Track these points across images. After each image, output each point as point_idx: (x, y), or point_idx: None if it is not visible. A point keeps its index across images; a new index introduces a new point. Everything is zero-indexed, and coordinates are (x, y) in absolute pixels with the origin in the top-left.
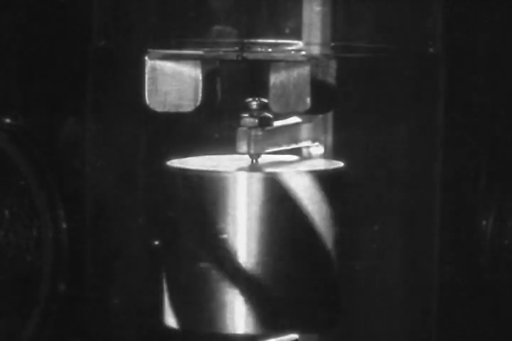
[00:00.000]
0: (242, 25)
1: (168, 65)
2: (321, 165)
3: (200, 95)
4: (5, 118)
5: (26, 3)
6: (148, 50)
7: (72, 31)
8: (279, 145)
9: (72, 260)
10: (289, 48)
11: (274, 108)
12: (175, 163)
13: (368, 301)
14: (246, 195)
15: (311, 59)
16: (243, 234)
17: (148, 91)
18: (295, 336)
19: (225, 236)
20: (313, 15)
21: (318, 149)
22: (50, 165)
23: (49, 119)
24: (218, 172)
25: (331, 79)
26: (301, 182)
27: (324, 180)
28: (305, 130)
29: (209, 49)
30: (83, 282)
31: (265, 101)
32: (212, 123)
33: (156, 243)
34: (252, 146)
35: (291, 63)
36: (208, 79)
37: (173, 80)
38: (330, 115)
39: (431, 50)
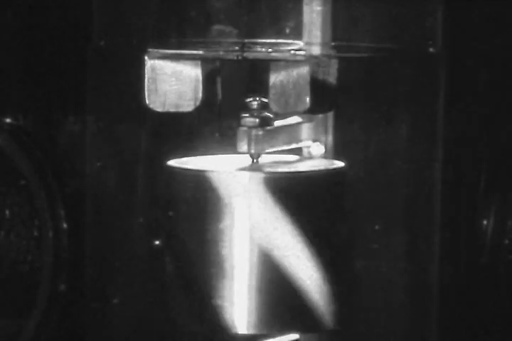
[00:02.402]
0: (242, 25)
1: (168, 65)
2: (322, 165)
3: (200, 95)
4: (5, 118)
5: (26, 3)
6: (148, 49)
7: (72, 31)
8: (280, 145)
9: (72, 260)
10: (289, 48)
11: (274, 108)
12: (175, 163)
13: (367, 301)
14: (246, 195)
15: (311, 59)
16: (243, 234)
17: (148, 91)
18: (295, 336)
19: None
20: (314, 15)
21: (318, 149)
22: (50, 165)
23: (49, 119)
24: (218, 172)
25: (331, 79)
26: (301, 182)
27: (325, 180)
28: (306, 130)
29: (209, 49)
30: (83, 282)
31: (266, 100)
32: (212, 123)
33: (156, 243)
34: (253, 146)
35: (291, 63)
36: (208, 79)
37: (173, 80)
38: (330, 115)
39: (431, 50)
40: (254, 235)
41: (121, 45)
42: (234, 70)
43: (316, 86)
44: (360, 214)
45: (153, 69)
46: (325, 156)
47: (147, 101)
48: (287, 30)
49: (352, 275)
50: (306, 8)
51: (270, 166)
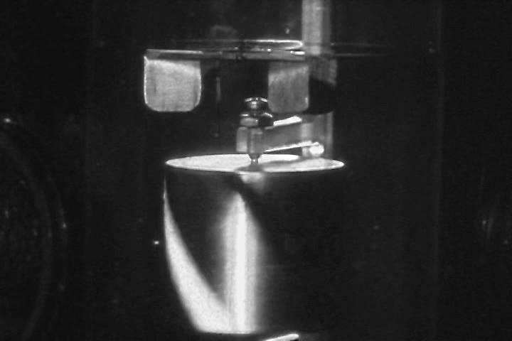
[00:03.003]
0: (242, 25)
1: (168, 65)
2: (321, 165)
3: (200, 95)
4: (5, 118)
5: (26, 4)
6: (147, 49)
7: (72, 31)
8: (279, 145)
9: (72, 260)
10: (289, 48)
11: (273, 108)
12: (175, 163)
13: (367, 301)
14: (246, 195)
15: (310, 59)
16: (243, 234)
17: (147, 91)
18: (295, 336)
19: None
20: (313, 15)
21: (318, 149)
22: (50, 165)
23: (49, 119)
24: (218, 172)
25: (330, 80)
26: (300, 181)
27: (324, 180)
28: (305, 130)
29: (208, 49)
30: (83, 282)
31: (265, 101)
32: (212, 123)
33: (156, 243)
34: (252, 146)
35: (291, 63)
36: (207, 79)
37: (172, 80)
38: (330, 115)
39: (431, 50)
40: (253, 235)
41: (121, 46)
42: (233, 70)
43: (315, 86)
44: (359, 214)
45: (152, 69)
46: (324, 156)
47: (146, 101)
48: (286, 31)
49: (351, 275)
50: (305, 9)
51: (269, 166)
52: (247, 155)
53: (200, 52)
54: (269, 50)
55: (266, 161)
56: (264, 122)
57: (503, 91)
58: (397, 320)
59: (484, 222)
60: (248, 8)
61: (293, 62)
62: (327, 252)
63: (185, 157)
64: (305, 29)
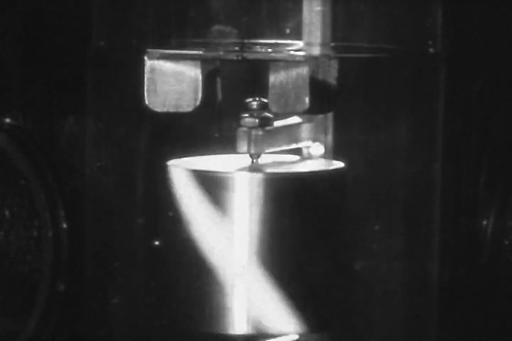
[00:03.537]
0: (242, 25)
1: (168, 65)
2: (322, 165)
3: (200, 95)
4: (5, 118)
5: (26, 4)
6: (148, 50)
7: (72, 31)
8: (280, 146)
9: (72, 260)
10: (289, 48)
11: (273, 108)
12: (175, 163)
13: (367, 301)
14: (246, 195)
15: (310, 59)
16: (243, 235)
17: (148, 91)
18: (295, 336)
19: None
20: (313, 15)
21: (318, 149)
22: (50, 165)
23: (49, 119)
24: (218, 172)
25: (331, 80)
26: (301, 182)
27: (324, 180)
28: (305, 130)
29: (209, 49)
30: (83, 282)
31: (265, 101)
32: (212, 124)
33: (156, 243)
34: (253, 146)
35: (291, 63)
36: (208, 79)
37: (172, 80)
38: (330, 115)
39: (431, 50)
40: (254, 235)
41: (121, 46)
42: (234, 70)
43: (316, 86)
44: (360, 215)
45: (152, 69)
46: (324, 156)
47: (147, 102)
48: (287, 31)
49: (352, 275)
50: (305, 9)
51: (270, 166)
52: (247, 156)
53: (200, 52)
54: (269, 50)
55: (266, 162)
56: (265, 122)
57: (503, 91)
58: (397, 319)
59: (485, 222)
60: (248, 8)
61: (293, 62)
62: (327, 252)
63: (185, 157)
64: (305, 29)
